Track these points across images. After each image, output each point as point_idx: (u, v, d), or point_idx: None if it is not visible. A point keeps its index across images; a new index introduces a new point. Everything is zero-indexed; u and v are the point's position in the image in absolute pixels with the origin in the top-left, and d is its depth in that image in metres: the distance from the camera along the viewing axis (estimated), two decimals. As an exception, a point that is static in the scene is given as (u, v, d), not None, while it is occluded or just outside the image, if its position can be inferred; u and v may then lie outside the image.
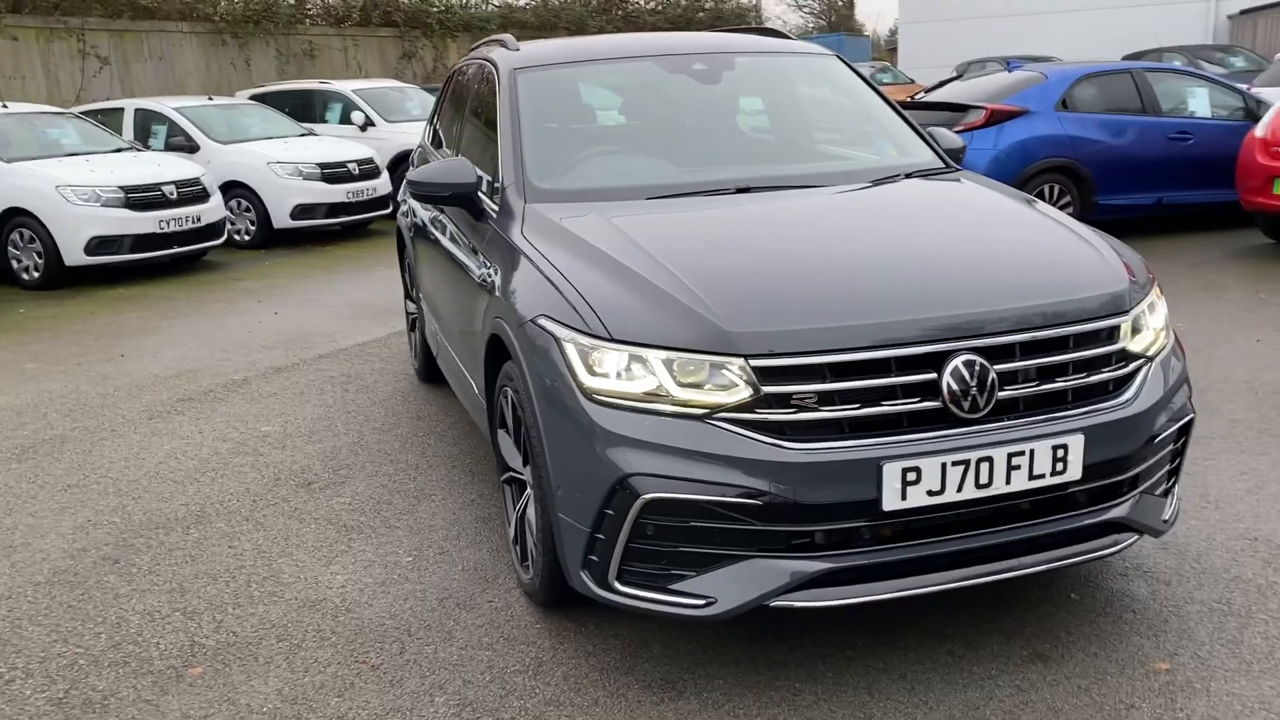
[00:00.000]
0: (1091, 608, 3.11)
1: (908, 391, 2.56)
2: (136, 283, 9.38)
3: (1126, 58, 16.29)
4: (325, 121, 13.69)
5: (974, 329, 2.62)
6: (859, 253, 3.05)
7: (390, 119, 13.43)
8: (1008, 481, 2.57)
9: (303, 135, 12.24)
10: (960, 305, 2.68)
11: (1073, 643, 2.94)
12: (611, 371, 2.63)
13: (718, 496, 2.51)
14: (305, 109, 13.77)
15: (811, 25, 57.68)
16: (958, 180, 3.76)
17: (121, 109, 12.14)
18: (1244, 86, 10.29)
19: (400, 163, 12.07)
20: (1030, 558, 2.68)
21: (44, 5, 14.95)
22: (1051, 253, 3.06)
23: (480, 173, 3.82)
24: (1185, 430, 2.97)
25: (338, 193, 11.32)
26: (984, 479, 2.55)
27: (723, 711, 2.70)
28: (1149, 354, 2.86)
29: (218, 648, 3.12)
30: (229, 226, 10.68)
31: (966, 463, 2.53)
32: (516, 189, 3.56)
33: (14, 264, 9.32)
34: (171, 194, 9.57)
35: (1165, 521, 2.93)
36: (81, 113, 11.39)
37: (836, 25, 55.89)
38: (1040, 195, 8.63)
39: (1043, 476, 2.59)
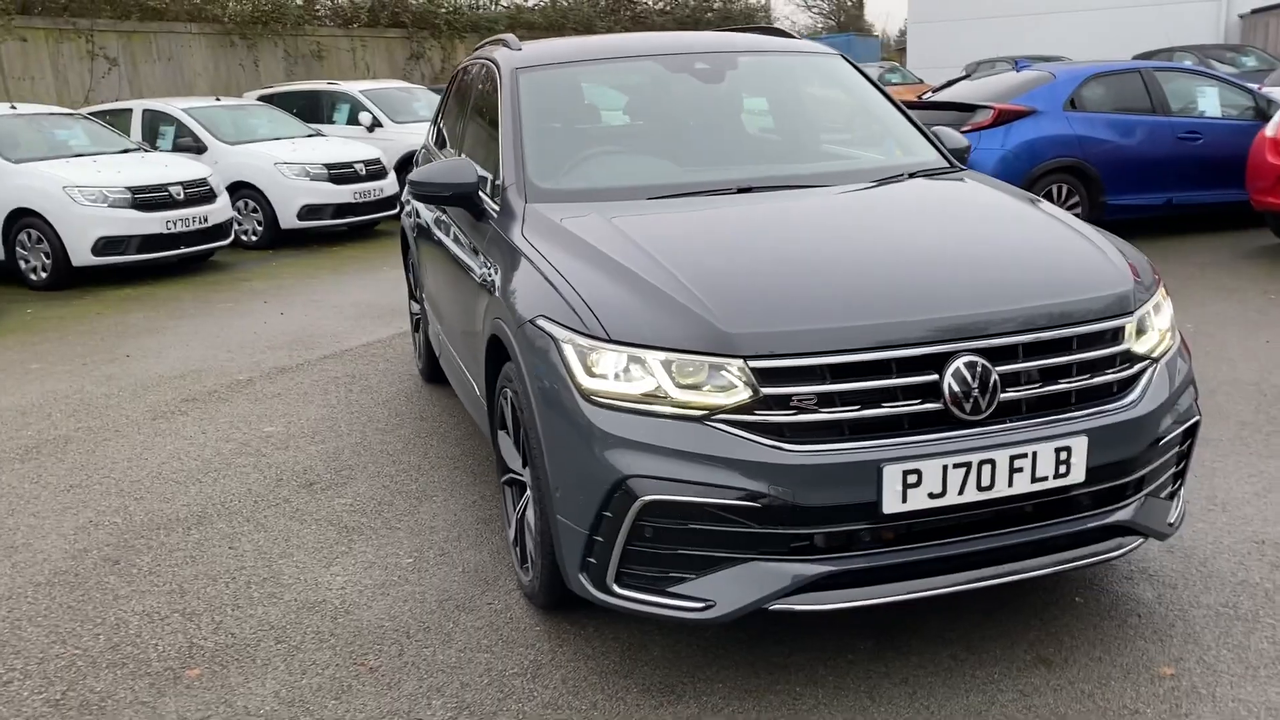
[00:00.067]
0: (1096, 611, 3.08)
1: (908, 393, 2.54)
2: (144, 283, 9.40)
3: (1137, 57, 16.20)
4: (333, 122, 13.72)
5: (976, 330, 2.60)
6: (860, 253, 3.02)
7: (398, 120, 13.46)
8: (1010, 484, 2.54)
9: (310, 136, 12.26)
10: (962, 306, 2.65)
11: (1077, 647, 2.91)
12: (610, 373, 2.62)
13: (716, 499, 2.48)
14: (313, 110, 13.80)
15: (821, 25, 57.66)
16: (961, 180, 3.73)
17: (129, 110, 12.17)
18: (1255, 86, 10.23)
19: (407, 163, 12.06)
20: (1033, 561, 2.66)
21: (53, 6, 15.00)
22: (1055, 253, 3.03)
23: (482, 173, 3.80)
24: (1191, 432, 2.94)
25: (345, 193, 11.33)
26: (986, 481, 2.52)
27: (722, 716, 2.68)
28: (1154, 355, 2.83)
29: (216, 649, 3.11)
30: (236, 227, 10.71)
31: (968, 465, 2.50)
32: (517, 189, 3.54)
33: (22, 264, 9.34)
34: (178, 194, 9.58)
35: (1171, 525, 2.90)
36: (90, 114, 11.43)
37: (846, 25, 55.82)
38: (1048, 195, 8.58)
39: (1045, 479, 2.56)
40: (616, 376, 2.61)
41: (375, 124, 13.32)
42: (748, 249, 3.05)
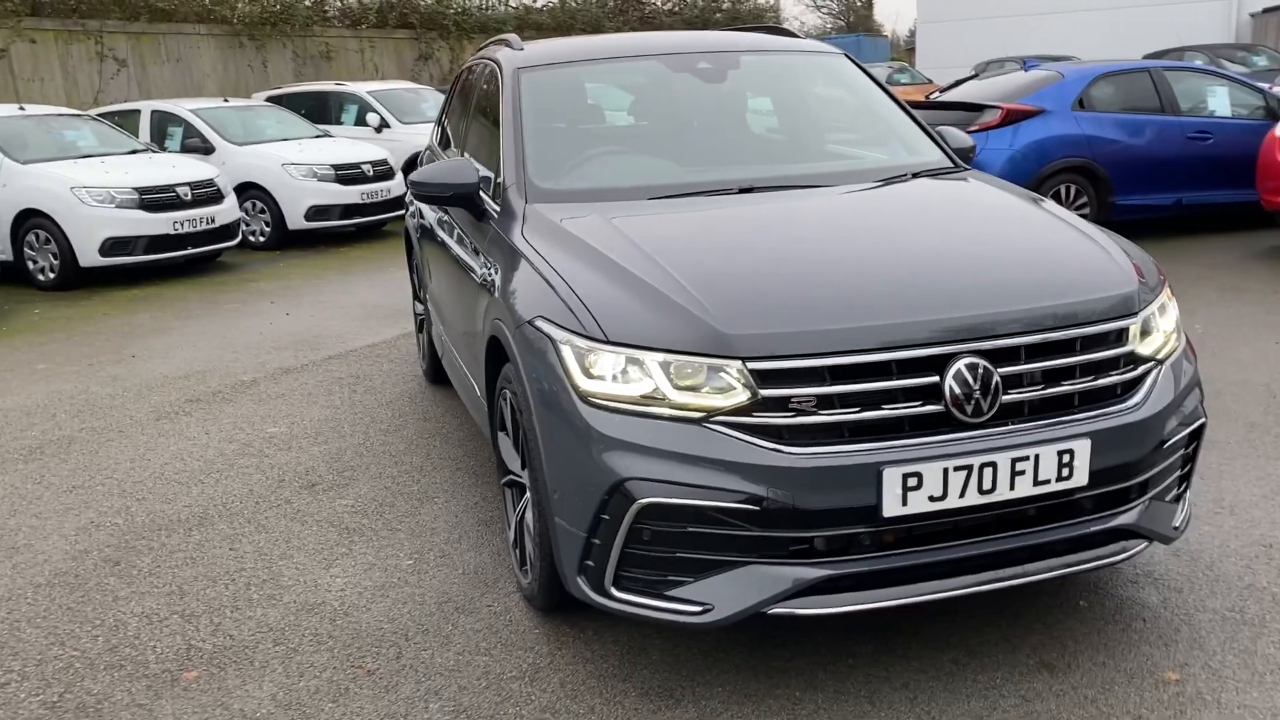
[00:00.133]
0: (1100, 615, 3.05)
1: (909, 395, 2.51)
2: (151, 284, 9.41)
3: (1147, 57, 16.12)
4: (341, 123, 13.73)
5: (977, 331, 2.57)
6: (861, 253, 3.00)
7: (405, 120, 13.46)
8: (1011, 487, 2.51)
9: (318, 137, 12.27)
10: (963, 307, 2.62)
11: (1080, 651, 2.88)
12: (608, 374, 2.59)
13: (715, 501, 2.46)
14: (321, 110, 13.81)
15: (830, 26, 57.57)
16: (965, 180, 3.70)
17: (138, 111, 12.20)
18: (1265, 85, 10.16)
19: (415, 164, 12.06)
20: (1035, 565, 2.63)
21: (63, 8, 15.04)
22: (1058, 253, 3.00)
23: (483, 172, 3.79)
24: (1196, 435, 2.90)
25: (352, 194, 11.33)
26: (987, 484, 2.49)
27: (721, 720, 2.66)
28: (1159, 357, 2.79)
29: (214, 651, 3.10)
30: (244, 228, 10.72)
31: (969, 468, 2.47)
32: (518, 189, 3.53)
33: (30, 265, 9.36)
34: (186, 195, 9.60)
35: (1176, 528, 2.86)
36: (98, 115, 11.46)
37: (855, 26, 55.71)
38: (1056, 196, 8.54)
39: (1048, 482, 2.53)
40: (614, 378, 2.58)
41: (383, 125, 13.33)
42: (748, 249, 3.02)
